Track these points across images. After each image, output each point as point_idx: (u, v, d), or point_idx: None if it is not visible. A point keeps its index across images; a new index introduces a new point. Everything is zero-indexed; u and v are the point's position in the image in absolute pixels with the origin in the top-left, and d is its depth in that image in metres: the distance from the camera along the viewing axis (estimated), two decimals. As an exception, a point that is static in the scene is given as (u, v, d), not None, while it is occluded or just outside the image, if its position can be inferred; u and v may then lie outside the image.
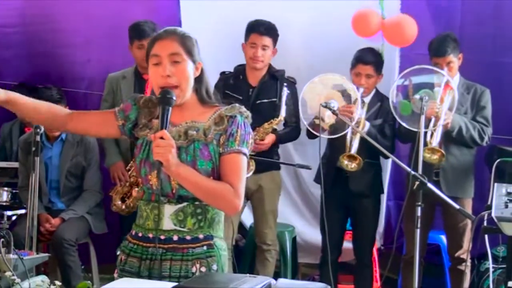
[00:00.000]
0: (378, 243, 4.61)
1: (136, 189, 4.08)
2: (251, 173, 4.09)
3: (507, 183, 3.15)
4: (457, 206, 3.31)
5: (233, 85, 4.29)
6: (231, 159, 2.22)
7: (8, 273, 2.45)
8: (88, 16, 4.98)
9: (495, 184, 3.07)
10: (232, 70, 4.37)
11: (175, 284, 1.95)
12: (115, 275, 2.30)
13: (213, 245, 2.24)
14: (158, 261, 2.21)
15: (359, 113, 4.03)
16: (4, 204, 4.39)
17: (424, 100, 3.70)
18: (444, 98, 3.93)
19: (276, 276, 3.94)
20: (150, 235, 2.24)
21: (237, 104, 2.29)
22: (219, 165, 2.22)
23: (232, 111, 2.26)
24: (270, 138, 4.17)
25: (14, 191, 4.46)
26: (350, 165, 4.01)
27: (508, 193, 2.93)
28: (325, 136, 4.09)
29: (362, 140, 3.92)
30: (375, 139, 3.85)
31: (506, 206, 2.85)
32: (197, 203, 2.23)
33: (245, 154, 2.24)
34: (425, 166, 3.66)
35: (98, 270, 4.54)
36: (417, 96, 3.81)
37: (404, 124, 3.85)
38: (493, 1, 4.61)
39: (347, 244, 4.45)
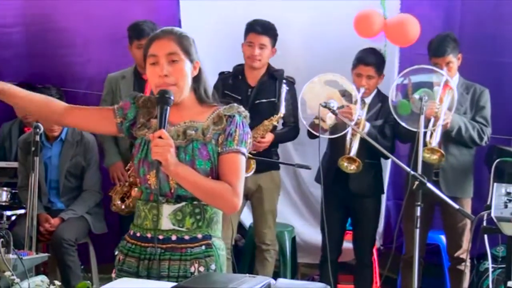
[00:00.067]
0: (377, 243, 4.62)
1: (136, 189, 4.09)
2: (252, 172, 4.09)
3: (507, 183, 3.15)
4: (456, 206, 3.31)
5: (232, 85, 4.29)
6: (229, 159, 2.22)
7: (7, 273, 2.45)
8: (88, 16, 4.98)
9: (495, 184, 3.07)
10: (231, 70, 4.37)
11: (174, 284, 1.95)
12: (113, 275, 2.30)
13: (212, 245, 2.24)
14: (156, 261, 2.21)
15: (359, 113, 4.02)
16: (4, 204, 4.38)
17: (424, 100, 3.70)
18: (444, 98, 3.93)
19: (276, 276, 3.94)
20: (149, 235, 2.24)
21: (235, 104, 2.29)
22: (218, 165, 2.22)
23: (230, 110, 2.26)
24: (269, 137, 4.17)
25: (13, 191, 4.46)
26: (350, 167, 4.01)
27: (508, 193, 2.93)
28: (325, 136, 4.09)
29: (362, 140, 3.92)
30: (375, 139, 3.85)
31: (506, 206, 2.85)
32: (195, 202, 2.23)
33: (243, 154, 2.24)
34: (424, 166, 3.66)
35: (98, 270, 4.54)
36: (416, 96, 3.81)
37: (403, 124, 3.85)
38: (493, 1, 4.61)
39: (347, 244, 4.45)
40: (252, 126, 3.74)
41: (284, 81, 4.20)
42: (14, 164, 4.65)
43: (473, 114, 4.16)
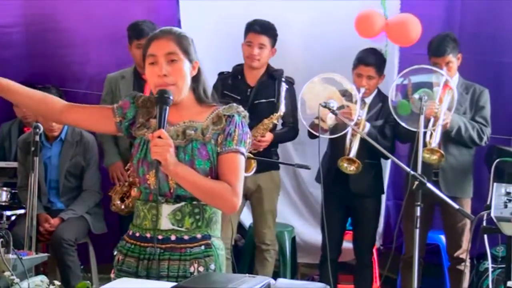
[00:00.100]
0: (377, 243, 4.62)
1: (135, 189, 4.09)
2: (253, 171, 4.08)
3: (506, 183, 3.14)
4: (456, 206, 3.31)
5: (231, 85, 4.28)
6: (229, 159, 2.22)
7: (7, 273, 2.45)
8: (87, 16, 4.98)
9: (494, 184, 3.07)
10: (230, 70, 4.37)
11: (173, 284, 1.95)
12: (112, 275, 2.30)
13: (211, 245, 2.24)
14: (156, 261, 2.21)
15: (359, 114, 4.02)
16: (3, 204, 4.38)
17: (423, 100, 3.70)
18: (443, 98, 3.93)
19: (275, 276, 3.94)
20: (148, 235, 2.24)
21: (234, 104, 2.29)
22: (217, 165, 2.23)
23: (230, 110, 2.26)
24: (269, 137, 4.17)
25: (13, 191, 4.46)
26: (349, 168, 4.01)
27: (507, 193, 2.92)
28: (325, 136, 4.09)
29: (363, 141, 3.92)
30: (375, 139, 3.85)
31: (506, 206, 2.85)
32: (195, 202, 2.23)
33: (242, 154, 2.24)
34: (424, 166, 3.66)
35: (97, 270, 4.54)
36: (416, 96, 3.81)
37: (403, 124, 3.85)
38: (493, 1, 4.61)
39: (347, 244, 4.45)
40: (251, 126, 3.75)
41: (283, 79, 4.20)
42: (14, 164, 4.65)
43: (472, 114, 4.16)
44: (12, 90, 2.31)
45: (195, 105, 2.30)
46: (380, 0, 4.50)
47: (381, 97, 4.19)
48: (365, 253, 4.32)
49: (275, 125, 4.29)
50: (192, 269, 2.20)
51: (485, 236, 3.37)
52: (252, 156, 4.04)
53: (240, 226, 4.79)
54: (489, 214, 2.89)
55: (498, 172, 4.05)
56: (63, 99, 4.71)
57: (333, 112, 3.76)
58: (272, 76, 4.28)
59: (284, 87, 4.15)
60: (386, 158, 3.99)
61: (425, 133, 3.82)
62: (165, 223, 2.22)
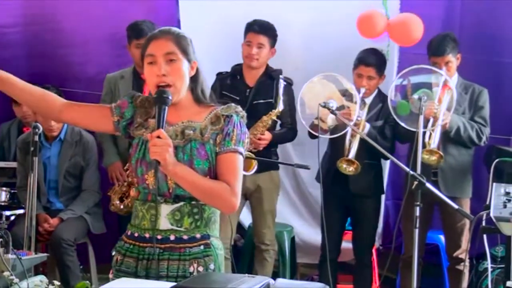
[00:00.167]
0: (376, 243, 4.61)
1: (134, 189, 4.09)
2: (253, 170, 4.07)
3: (506, 183, 3.15)
4: (456, 206, 3.31)
5: (230, 85, 4.28)
6: (227, 158, 2.22)
7: (6, 273, 2.45)
8: (87, 16, 4.98)
9: (494, 184, 3.07)
10: (229, 70, 4.36)
11: (173, 284, 1.95)
12: (110, 275, 2.30)
13: (210, 245, 2.24)
14: (155, 261, 2.21)
15: (359, 114, 4.02)
16: (3, 204, 4.38)
17: (423, 100, 3.70)
18: (443, 98, 3.94)
19: (275, 276, 3.94)
20: (147, 235, 2.24)
21: (233, 104, 2.29)
22: (216, 165, 2.23)
23: (228, 110, 2.27)
24: (268, 135, 4.16)
25: (12, 191, 4.46)
26: (348, 169, 4.01)
27: (507, 193, 2.93)
28: (325, 136, 4.09)
29: (362, 141, 3.92)
30: (375, 140, 3.85)
31: (505, 206, 2.85)
32: (193, 202, 2.23)
33: (241, 154, 2.25)
34: (423, 166, 3.67)
35: (97, 270, 4.54)
36: (415, 96, 3.81)
37: (402, 124, 3.85)
38: (492, 1, 4.61)
39: (347, 244, 4.45)
40: (249, 126, 3.74)
41: (280, 76, 4.18)
42: (13, 164, 4.64)
43: (471, 114, 4.16)
44: (12, 84, 2.31)
45: (193, 105, 2.30)
46: (382, 0, 4.49)
47: (382, 97, 4.19)
48: (365, 253, 4.32)
49: (274, 126, 4.29)
50: (191, 269, 2.20)
51: (484, 236, 3.37)
52: (252, 156, 4.03)
53: (240, 226, 4.79)
54: (488, 214, 2.89)
55: (497, 172, 4.05)
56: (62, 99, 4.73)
57: (332, 112, 3.76)
58: (271, 76, 4.28)
59: (282, 84, 4.14)
60: (386, 158, 3.99)
61: (424, 133, 3.82)
62: (164, 223, 2.22)
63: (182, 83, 2.24)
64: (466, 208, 4.09)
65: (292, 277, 4.78)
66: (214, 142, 2.23)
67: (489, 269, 3.60)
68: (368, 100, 4.19)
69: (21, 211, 4.35)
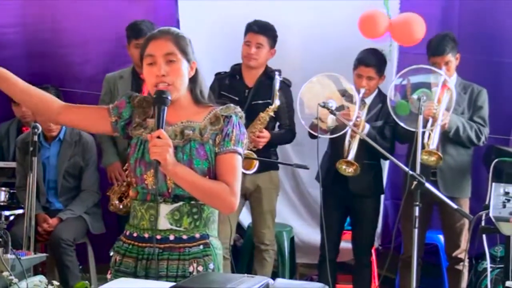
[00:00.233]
0: (375, 243, 4.61)
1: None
2: (254, 169, 4.06)
3: (505, 183, 3.15)
4: (455, 206, 3.31)
5: (229, 85, 4.27)
6: (226, 159, 2.22)
7: (5, 273, 2.45)
8: (86, 16, 4.98)
9: (493, 184, 3.07)
10: (228, 70, 4.36)
11: (172, 283, 1.95)
12: (108, 276, 2.30)
13: (209, 244, 2.25)
14: (155, 261, 2.21)
15: (358, 114, 4.02)
16: (2, 204, 4.38)
17: (422, 100, 3.70)
18: (442, 98, 3.94)
19: (274, 276, 3.94)
20: (146, 235, 2.24)
21: (232, 105, 2.30)
22: (215, 165, 2.23)
23: (227, 111, 2.27)
24: (267, 133, 4.15)
25: (11, 191, 4.46)
26: (348, 170, 4.01)
27: (506, 193, 2.93)
28: (325, 136, 4.08)
29: (362, 141, 3.92)
30: (375, 140, 3.85)
31: (504, 206, 2.85)
32: (193, 202, 2.23)
33: (240, 154, 2.25)
34: (422, 166, 3.67)
35: (96, 270, 4.54)
36: (415, 96, 3.81)
37: (402, 124, 3.85)
38: (491, 1, 4.61)
39: (346, 244, 4.45)
40: (248, 126, 3.74)
41: (276, 72, 4.17)
42: (12, 164, 4.64)
43: (470, 114, 4.16)
44: (13, 83, 2.31)
45: (192, 106, 2.30)
46: (383, 0, 4.49)
47: (382, 97, 4.18)
48: (364, 253, 4.32)
49: (273, 127, 4.29)
50: (191, 269, 2.20)
51: (484, 236, 3.38)
52: (251, 156, 4.03)
53: (239, 226, 4.79)
54: (487, 214, 2.89)
55: (497, 172, 4.05)
56: (61, 99, 4.71)
57: (331, 112, 3.76)
58: (270, 77, 4.27)
59: (277, 79, 4.12)
60: (386, 158, 3.99)
61: (423, 133, 3.83)
62: (163, 223, 2.22)
63: (182, 83, 2.25)
64: (465, 208, 4.09)
65: (291, 277, 4.78)
66: (214, 142, 2.24)
67: (489, 269, 3.61)
68: (368, 100, 4.18)
69: (20, 211, 4.34)
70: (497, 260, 4.18)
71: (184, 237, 2.22)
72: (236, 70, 4.32)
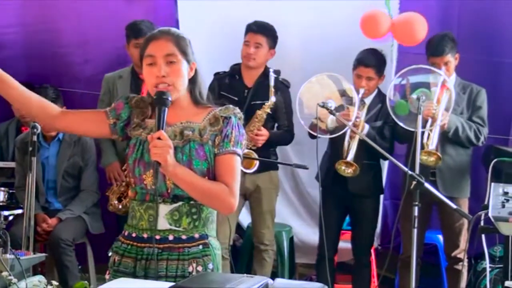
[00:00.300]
0: (375, 242, 4.62)
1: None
2: (255, 168, 4.06)
3: (504, 183, 3.15)
4: (454, 206, 3.32)
5: (228, 85, 4.27)
6: (226, 160, 2.23)
7: (5, 273, 2.45)
8: (86, 16, 4.98)
9: (492, 184, 3.07)
10: (227, 70, 4.36)
11: (171, 283, 1.95)
12: (107, 276, 2.30)
13: (209, 244, 2.25)
14: (154, 261, 2.21)
15: (357, 114, 4.02)
16: (1, 204, 4.38)
17: (421, 100, 3.70)
18: (441, 98, 3.94)
19: (274, 276, 3.94)
20: (145, 235, 2.24)
21: (231, 106, 2.30)
22: (214, 166, 2.23)
23: (227, 112, 2.27)
24: (266, 131, 4.15)
25: (11, 191, 4.46)
26: (347, 170, 4.01)
27: (505, 193, 2.92)
28: (325, 136, 4.08)
29: (361, 141, 3.92)
30: (374, 140, 3.85)
31: (503, 206, 2.85)
32: (192, 202, 2.23)
33: (239, 155, 2.26)
34: (421, 166, 3.67)
35: (95, 270, 4.54)
36: (414, 96, 3.81)
37: (401, 124, 3.85)
38: (490, 1, 4.61)
39: (346, 244, 4.45)
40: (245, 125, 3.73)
41: (270, 69, 4.16)
42: (12, 164, 4.64)
43: (469, 114, 4.16)
44: (9, 84, 2.27)
45: (191, 106, 2.30)
46: (384, 0, 4.48)
47: (381, 98, 4.17)
48: (364, 253, 4.32)
49: (272, 127, 4.28)
50: (190, 269, 2.21)
51: (483, 236, 3.37)
52: (251, 156, 4.02)
53: (238, 226, 4.79)
54: (486, 214, 2.89)
55: (496, 172, 4.06)
56: (60, 98, 4.75)
57: (331, 112, 3.76)
58: (269, 77, 4.26)
59: (272, 76, 4.11)
60: (385, 158, 3.99)
61: (422, 133, 3.83)
62: (163, 223, 2.23)
63: (181, 84, 2.25)
64: (465, 208, 4.09)
65: (291, 277, 4.78)
66: (213, 143, 2.24)
67: (488, 269, 3.61)
68: (368, 100, 4.18)
69: (19, 211, 4.34)
70: (496, 260, 4.19)
71: (183, 237, 2.23)
72: (236, 70, 4.32)
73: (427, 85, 3.95)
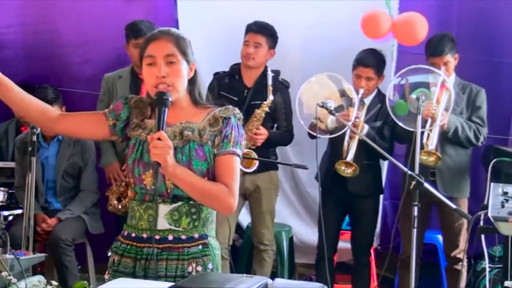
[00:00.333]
0: (375, 242, 4.62)
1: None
2: (255, 167, 4.06)
3: (503, 182, 3.15)
4: (453, 206, 3.32)
5: (228, 84, 4.27)
6: (225, 160, 2.23)
7: (4, 273, 2.45)
8: (86, 17, 4.98)
9: (492, 184, 3.07)
10: (227, 70, 4.36)
11: (171, 283, 1.95)
12: (106, 276, 2.30)
13: (208, 244, 2.25)
14: (153, 261, 2.21)
15: (356, 114, 4.02)
16: (1, 204, 4.38)
17: (421, 100, 3.70)
18: (440, 99, 3.94)
19: (273, 276, 3.95)
20: (144, 235, 2.24)
21: (230, 106, 2.31)
22: (214, 166, 2.23)
23: (226, 112, 2.28)
24: (265, 130, 4.15)
25: (10, 191, 4.45)
26: (347, 171, 4.01)
27: (505, 193, 2.93)
28: (324, 136, 4.09)
29: (361, 141, 3.92)
30: (374, 140, 3.85)
31: (503, 206, 2.85)
32: (191, 202, 2.23)
33: (238, 155, 2.26)
34: (421, 166, 3.67)
35: (95, 270, 4.54)
36: (413, 96, 3.81)
37: (401, 124, 3.85)
38: (490, 1, 4.62)
39: (345, 244, 4.45)
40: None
41: (268, 69, 4.15)
42: (11, 164, 4.64)
43: (469, 114, 4.16)
44: (8, 87, 2.26)
45: (191, 107, 2.30)
46: (385, 0, 4.48)
47: (381, 98, 4.17)
48: (363, 253, 4.32)
49: (271, 128, 4.28)
50: (190, 269, 2.21)
51: (482, 236, 3.38)
52: (250, 156, 4.02)
53: (238, 226, 4.79)
54: (486, 214, 2.89)
55: (495, 172, 4.06)
56: (60, 98, 4.75)
57: (330, 112, 3.76)
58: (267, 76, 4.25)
59: (270, 75, 4.11)
60: (385, 159, 3.99)
61: (422, 133, 3.83)
62: (162, 223, 2.23)
63: (181, 84, 2.25)
64: (464, 208, 4.09)
65: (290, 277, 4.78)
66: (213, 143, 2.24)
67: (487, 269, 3.61)
68: (367, 101, 4.18)
69: (19, 211, 4.34)
70: (495, 260, 4.19)
71: (183, 237, 2.23)
72: (236, 70, 4.32)
73: (426, 85, 3.95)
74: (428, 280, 4.57)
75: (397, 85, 3.95)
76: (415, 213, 3.39)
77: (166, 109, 2.18)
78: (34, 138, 3.92)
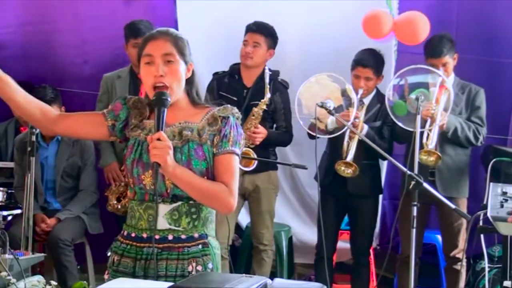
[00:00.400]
0: (374, 242, 4.62)
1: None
2: (253, 166, 4.05)
3: (503, 182, 3.15)
4: (453, 206, 3.32)
5: (227, 84, 4.26)
6: (224, 160, 2.23)
7: (3, 273, 2.45)
8: (84, 17, 4.98)
9: (491, 183, 3.08)
10: (226, 70, 4.36)
11: (171, 283, 1.95)
12: (106, 276, 2.30)
13: (208, 244, 2.26)
14: (153, 260, 2.21)
15: (356, 114, 4.02)
16: (0, 204, 4.38)
17: (420, 100, 3.70)
18: (440, 99, 3.94)
19: (272, 276, 3.95)
20: (144, 235, 2.25)
21: (229, 105, 2.31)
22: (213, 165, 2.23)
23: (225, 112, 2.28)
24: (263, 129, 4.14)
25: (9, 191, 4.45)
26: (346, 171, 4.01)
27: (504, 193, 2.93)
28: (324, 136, 4.09)
29: (361, 141, 3.92)
30: (373, 140, 3.85)
31: (502, 206, 2.85)
32: (191, 202, 2.24)
33: (237, 155, 2.27)
34: (420, 166, 3.68)
35: (94, 270, 4.54)
36: (412, 96, 3.81)
37: (400, 124, 3.85)
38: (489, 1, 4.62)
39: (345, 244, 4.45)
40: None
41: (266, 67, 4.14)
42: (10, 164, 4.64)
43: (468, 114, 4.16)
44: (9, 86, 2.26)
45: (189, 107, 2.31)
46: (385, 0, 4.48)
47: (380, 98, 4.17)
48: (362, 253, 4.32)
49: (270, 128, 4.28)
50: (190, 268, 2.21)
51: (482, 236, 3.38)
52: (250, 156, 4.02)
53: (237, 226, 4.79)
54: (485, 213, 2.90)
55: (495, 172, 4.06)
56: (59, 98, 4.74)
57: (329, 112, 3.76)
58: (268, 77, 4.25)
59: (267, 73, 4.10)
60: (384, 158, 3.99)
61: (421, 133, 3.83)
62: (162, 223, 2.23)
63: (178, 84, 2.25)
64: (463, 208, 4.10)
65: (290, 277, 4.79)
66: (212, 143, 2.24)
67: (486, 269, 3.61)
68: (367, 101, 4.18)
69: (18, 211, 4.34)
70: (495, 260, 4.19)
71: (183, 236, 2.23)
72: (235, 69, 4.31)
73: (425, 85, 3.95)
74: (427, 280, 4.58)
75: (396, 85, 3.95)
76: (414, 213, 3.39)
77: (165, 109, 2.18)
78: (34, 138, 3.92)
